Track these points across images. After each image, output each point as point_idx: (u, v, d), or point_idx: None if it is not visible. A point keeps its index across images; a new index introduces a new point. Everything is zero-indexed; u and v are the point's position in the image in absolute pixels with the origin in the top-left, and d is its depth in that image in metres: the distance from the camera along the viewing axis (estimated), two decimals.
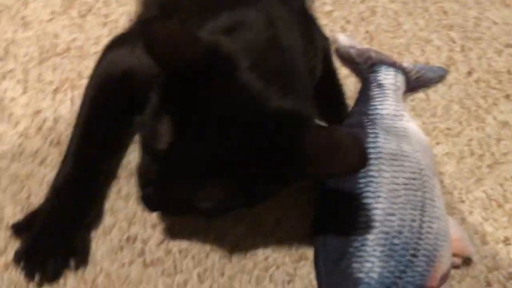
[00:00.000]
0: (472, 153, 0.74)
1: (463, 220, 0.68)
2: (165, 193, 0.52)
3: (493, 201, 0.70)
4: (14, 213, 0.62)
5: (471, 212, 0.68)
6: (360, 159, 0.46)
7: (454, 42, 0.88)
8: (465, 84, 0.82)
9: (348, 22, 0.88)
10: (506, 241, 0.66)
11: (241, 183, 0.49)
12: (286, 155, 0.47)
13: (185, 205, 0.52)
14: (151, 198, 0.53)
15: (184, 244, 0.62)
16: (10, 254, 0.59)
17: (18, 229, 0.60)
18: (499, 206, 0.69)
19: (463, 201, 0.69)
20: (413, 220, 0.56)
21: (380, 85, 0.72)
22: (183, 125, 0.49)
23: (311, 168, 0.47)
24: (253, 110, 0.48)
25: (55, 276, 0.58)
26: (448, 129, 0.77)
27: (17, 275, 0.58)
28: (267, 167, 0.48)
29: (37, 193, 0.64)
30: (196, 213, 0.54)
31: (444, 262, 0.56)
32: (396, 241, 0.54)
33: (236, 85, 0.49)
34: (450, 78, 0.83)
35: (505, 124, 0.78)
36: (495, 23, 0.91)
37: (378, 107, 0.69)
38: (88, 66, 0.76)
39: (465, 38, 0.88)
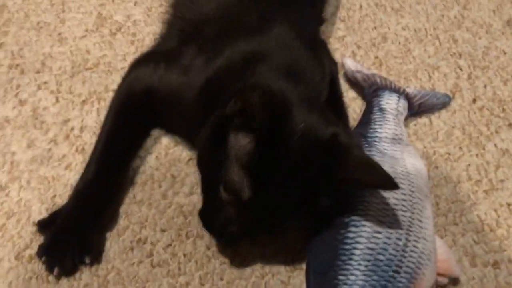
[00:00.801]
0: (469, 178, 0.77)
1: (454, 242, 0.71)
2: (251, 229, 0.60)
3: (486, 225, 0.73)
4: (40, 211, 0.70)
5: (463, 235, 0.72)
6: (390, 184, 0.57)
7: (461, 69, 0.91)
8: (469, 111, 0.85)
9: (359, 47, 0.93)
10: (495, 264, 0.69)
11: (310, 204, 0.60)
12: (339, 177, 0.58)
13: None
14: (236, 237, 0.61)
15: (188, 248, 0.68)
16: (35, 248, 0.66)
17: (43, 225, 0.67)
18: (491, 230, 0.72)
19: (456, 224, 0.73)
20: (399, 239, 0.60)
21: (381, 109, 0.76)
22: (260, 174, 0.56)
23: (352, 184, 0.60)
24: (314, 148, 0.57)
25: (72, 270, 0.65)
26: (448, 153, 0.80)
27: (39, 267, 0.65)
28: (326, 186, 0.58)
29: (61, 194, 0.71)
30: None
31: (426, 280, 0.59)
32: (380, 257, 0.58)
33: (297, 128, 0.57)
34: (454, 104, 0.86)
35: (505, 152, 0.81)
36: (504, 52, 0.94)
37: (378, 130, 0.73)
38: (114, 80, 0.84)
39: (472, 66, 0.91)
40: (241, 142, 0.57)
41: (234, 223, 0.59)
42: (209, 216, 0.62)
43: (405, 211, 0.62)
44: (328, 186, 0.58)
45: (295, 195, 0.57)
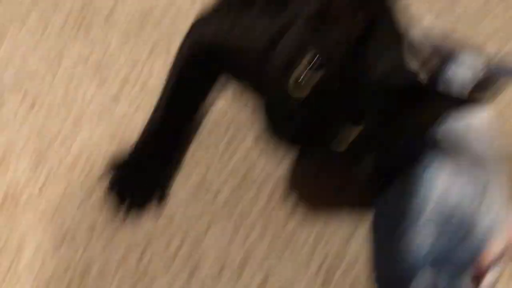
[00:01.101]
0: None
1: None
2: (312, 126, 0.56)
3: None
4: (111, 148, 0.72)
5: None
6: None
7: None
8: None
9: (427, 13, 0.91)
10: None
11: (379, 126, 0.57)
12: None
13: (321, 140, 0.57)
14: (294, 129, 0.56)
15: (251, 194, 0.69)
16: (104, 185, 0.68)
17: (113, 162, 0.69)
18: None
19: None
20: (474, 198, 0.59)
21: (447, 82, 0.74)
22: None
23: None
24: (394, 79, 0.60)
25: (141, 204, 0.67)
26: None
27: (108, 199, 0.68)
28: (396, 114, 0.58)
29: (132, 132, 0.72)
30: (324, 151, 0.59)
31: (497, 245, 0.58)
32: (453, 217, 0.58)
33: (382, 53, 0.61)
34: None
35: None
36: None
37: None
38: (182, 29, 0.84)
39: None
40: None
41: (298, 112, 0.56)
42: (273, 108, 0.59)
43: (480, 173, 0.61)
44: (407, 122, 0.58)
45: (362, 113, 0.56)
